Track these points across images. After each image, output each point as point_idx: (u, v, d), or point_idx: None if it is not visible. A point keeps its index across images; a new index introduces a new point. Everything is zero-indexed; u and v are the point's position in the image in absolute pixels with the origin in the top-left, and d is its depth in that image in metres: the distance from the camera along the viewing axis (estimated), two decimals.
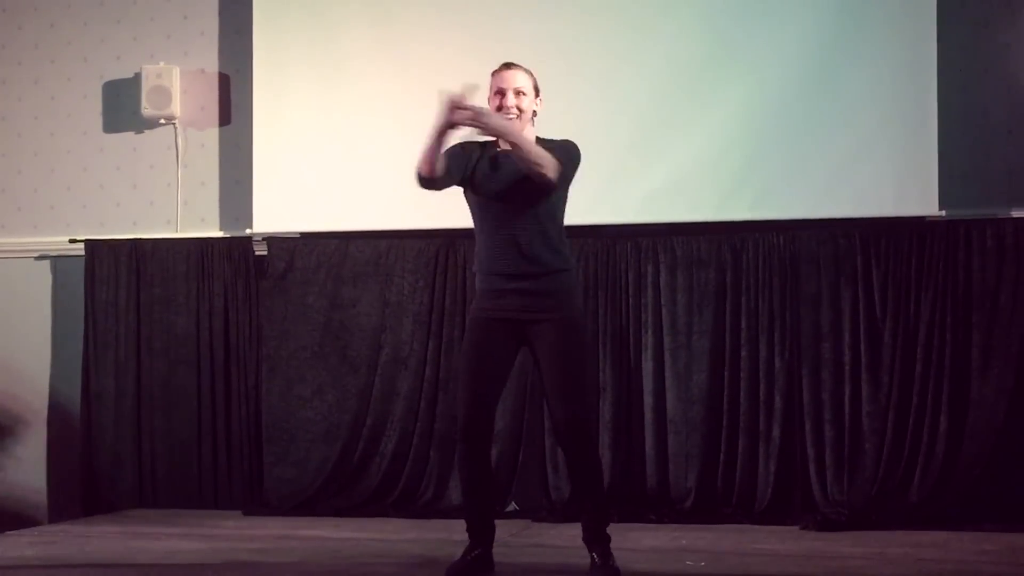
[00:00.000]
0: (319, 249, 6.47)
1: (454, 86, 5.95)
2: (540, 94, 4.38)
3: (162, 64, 6.67)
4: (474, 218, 4.37)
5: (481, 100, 4.22)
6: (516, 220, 4.24)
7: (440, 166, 4.18)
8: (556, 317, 4.25)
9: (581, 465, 4.29)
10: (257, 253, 6.55)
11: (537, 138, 4.33)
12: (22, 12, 6.94)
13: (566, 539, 5.06)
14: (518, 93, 4.30)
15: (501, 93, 4.31)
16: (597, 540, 4.29)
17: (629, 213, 6.16)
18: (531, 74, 4.37)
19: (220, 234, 6.66)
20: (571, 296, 4.35)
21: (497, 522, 4.45)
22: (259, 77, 6.51)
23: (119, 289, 6.62)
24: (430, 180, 4.21)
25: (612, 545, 4.32)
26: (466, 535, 4.40)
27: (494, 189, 4.27)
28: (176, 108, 6.66)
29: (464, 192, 4.38)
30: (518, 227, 4.24)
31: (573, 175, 4.32)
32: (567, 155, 4.27)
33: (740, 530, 5.62)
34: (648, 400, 6.10)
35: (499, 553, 4.44)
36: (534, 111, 4.35)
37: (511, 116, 4.27)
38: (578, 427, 4.27)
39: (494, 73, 4.36)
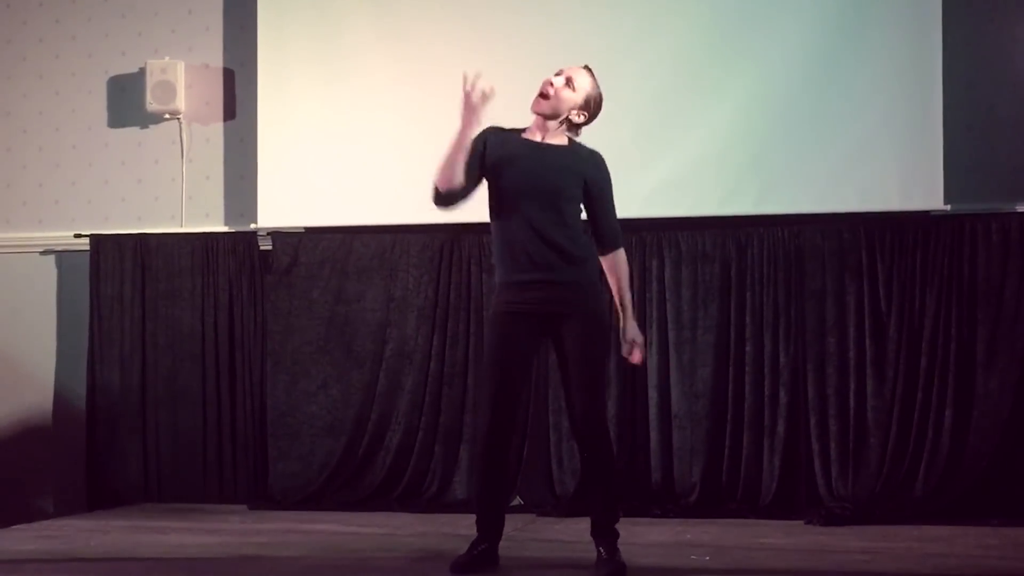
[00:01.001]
0: (324, 244, 6.47)
1: (456, 79, 5.96)
2: (589, 112, 4.33)
3: (167, 59, 6.68)
4: (495, 204, 4.32)
5: (498, 103, 4.22)
6: (542, 210, 4.22)
7: (459, 177, 4.19)
8: (581, 311, 4.24)
9: (596, 459, 4.28)
10: (262, 248, 6.55)
11: (570, 139, 4.34)
12: (27, 7, 6.94)
13: (571, 534, 5.06)
14: (568, 82, 4.29)
15: (556, 73, 4.31)
16: (605, 535, 4.29)
17: (634, 207, 6.11)
18: (596, 89, 4.33)
19: (225, 229, 6.67)
20: (595, 288, 4.33)
21: None
22: (263, 72, 6.51)
23: (124, 284, 6.63)
24: (448, 196, 4.23)
25: (618, 540, 4.31)
26: (471, 529, 4.39)
27: (528, 180, 4.23)
28: (181, 103, 6.66)
29: (489, 171, 4.31)
30: (542, 216, 4.22)
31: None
32: (610, 187, 4.35)
33: (745, 524, 5.62)
34: (653, 395, 6.10)
35: (504, 547, 4.44)
36: (572, 119, 4.30)
37: (545, 92, 4.27)
38: (597, 420, 4.28)
39: None
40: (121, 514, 6.13)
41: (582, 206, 4.37)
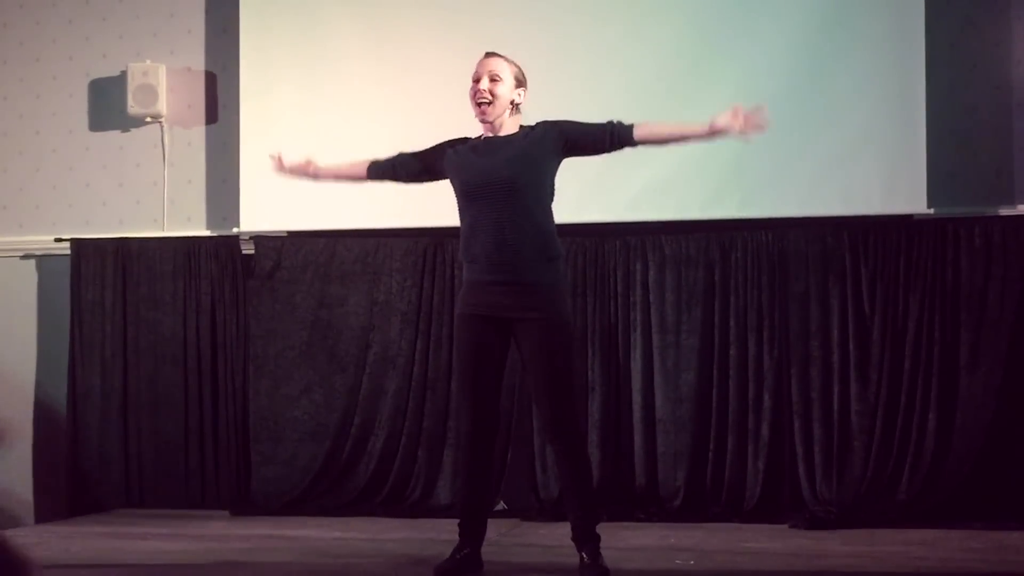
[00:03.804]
0: (306, 248, 6.45)
1: (438, 84, 5.95)
2: (524, 86, 4.38)
3: (148, 62, 6.65)
4: (459, 205, 4.36)
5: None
6: (501, 207, 4.22)
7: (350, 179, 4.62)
8: (542, 316, 4.23)
9: (569, 463, 4.28)
10: (244, 252, 6.52)
11: (521, 126, 4.35)
12: (7, 10, 6.90)
13: (555, 538, 5.05)
14: (493, 79, 4.30)
15: (476, 79, 4.33)
16: (586, 539, 4.28)
17: (618, 211, 6.15)
18: (513, 64, 4.37)
19: (207, 233, 6.63)
20: (557, 291, 4.31)
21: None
22: (246, 75, 6.49)
23: (105, 288, 6.59)
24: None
25: (601, 544, 4.30)
26: (454, 534, 4.38)
27: (479, 175, 4.27)
28: (162, 106, 6.63)
29: (451, 180, 4.39)
30: (503, 213, 4.22)
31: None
32: (572, 122, 4.34)
33: (729, 528, 5.62)
34: (637, 399, 6.09)
35: (488, 552, 4.43)
36: (514, 101, 4.35)
37: (483, 101, 4.28)
38: (566, 425, 4.27)
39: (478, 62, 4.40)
40: (102, 520, 6.10)
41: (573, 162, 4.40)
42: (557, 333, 4.26)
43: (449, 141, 4.43)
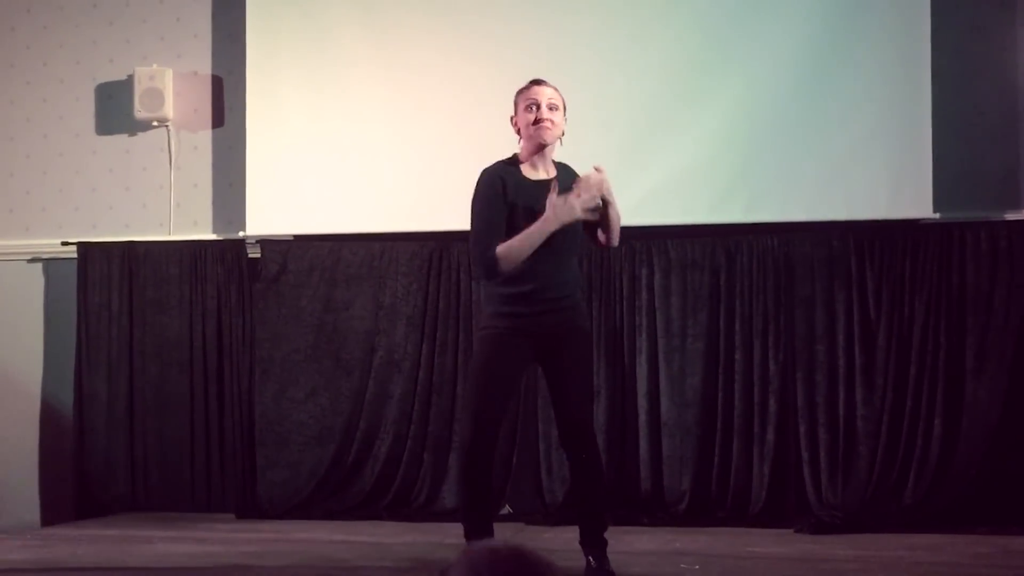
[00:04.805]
0: (312, 252, 6.45)
1: (444, 88, 5.91)
2: (566, 113, 4.36)
3: (155, 66, 6.66)
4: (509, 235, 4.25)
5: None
6: (557, 250, 4.21)
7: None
8: (577, 329, 4.32)
9: (589, 468, 4.28)
10: (250, 256, 6.53)
11: (554, 163, 4.35)
12: (15, 14, 6.92)
13: (560, 542, 5.04)
14: (552, 107, 4.27)
15: (536, 105, 4.25)
16: (594, 543, 4.28)
17: (623, 215, 6.12)
18: (560, 92, 4.34)
19: (213, 236, 6.64)
20: (583, 306, 4.47)
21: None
22: (252, 79, 6.49)
23: (111, 292, 6.60)
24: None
25: (607, 548, 4.30)
26: (459, 538, 4.37)
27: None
28: (169, 110, 6.64)
29: (509, 216, 4.25)
30: (557, 256, 4.23)
31: None
32: None
33: (735, 533, 5.61)
34: (642, 403, 6.09)
35: None
36: (563, 132, 4.33)
37: (547, 127, 4.24)
38: (589, 431, 4.33)
39: (522, 91, 4.32)
40: (108, 523, 6.10)
41: None
42: (585, 342, 4.42)
43: (493, 172, 4.28)
